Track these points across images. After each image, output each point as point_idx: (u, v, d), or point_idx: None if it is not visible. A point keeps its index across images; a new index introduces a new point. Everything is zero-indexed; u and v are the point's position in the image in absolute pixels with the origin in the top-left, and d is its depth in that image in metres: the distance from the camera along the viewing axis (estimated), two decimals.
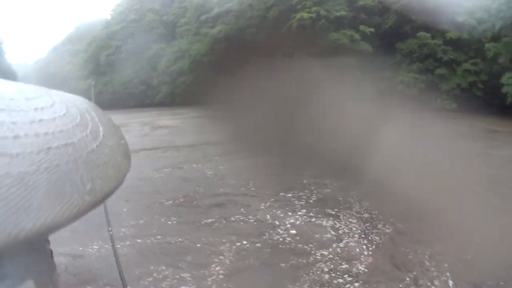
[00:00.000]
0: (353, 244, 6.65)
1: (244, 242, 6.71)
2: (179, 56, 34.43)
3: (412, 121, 16.81)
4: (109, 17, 45.10)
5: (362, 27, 30.65)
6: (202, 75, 32.59)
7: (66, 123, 0.39)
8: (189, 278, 5.49)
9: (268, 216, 8.00)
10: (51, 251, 0.44)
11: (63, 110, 0.41)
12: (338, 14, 31.48)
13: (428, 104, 28.02)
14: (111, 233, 2.22)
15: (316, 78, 25.05)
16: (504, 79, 28.64)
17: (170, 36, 35.50)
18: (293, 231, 7.19)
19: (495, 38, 30.80)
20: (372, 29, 30.67)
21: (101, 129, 0.43)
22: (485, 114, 25.91)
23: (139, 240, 6.80)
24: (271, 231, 7.19)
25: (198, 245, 6.64)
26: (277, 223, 7.60)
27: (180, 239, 6.94)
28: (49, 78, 47.55)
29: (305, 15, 31.18)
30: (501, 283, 5.25)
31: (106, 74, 38.93)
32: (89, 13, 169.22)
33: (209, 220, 7.79)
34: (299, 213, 8.17)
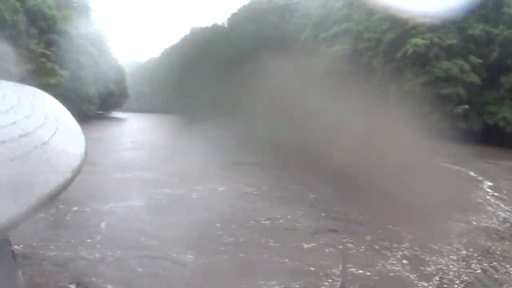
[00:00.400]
0: None
1: None
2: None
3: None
4: (226, 25, 47.62)
5: (472, 58, 32.60)
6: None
7: (19, 115, 0.38)
8: None
9: None
10: (13, 251, 0.44)
11: (15, 101, 0.41)
12: (450, 42, 32.79)
13: None
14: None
15: (422, 109, 27.27)
16: None
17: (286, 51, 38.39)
18: None
19: None
20: (480, 60, 32.56)
21: (55, 120, 0.42)
22: None
23: None
24: None
25: None
26: None
27: None
28: (157, 79, 51.17)
29: (419, 41, 32.71)
30: None
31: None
32: (206, 18, 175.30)
33: None
34: None
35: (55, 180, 0.35)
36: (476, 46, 33.73)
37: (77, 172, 0.39)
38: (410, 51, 32.85)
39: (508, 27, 32.83)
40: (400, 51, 33.36)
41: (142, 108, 54.40)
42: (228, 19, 47.00)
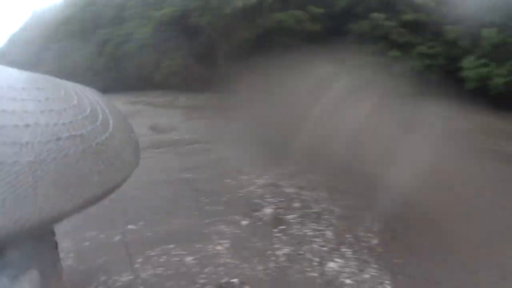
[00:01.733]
0: None
1: None
2: (125, 40, 33.50)
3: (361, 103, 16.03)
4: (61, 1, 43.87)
5: (311, 8, 29.27)
6: (146, 60, 31.92)
7: (76, 114, 0.38)
8: None
9: None
10: (56, 242, 0.43)
11: (73, 101, 0.40)
12: None
13: (381, 87, 26.84)
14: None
15: (258, 61, 24.05)
16: (465, 63, 27.31)
17: (119, 20, 34.40)
18: None
19: (457, 21, 29.56)
20: (322, 10, 29.29)
21: (111, 121, 0.42)
22: (441, 98, 24.71)
23: None
24: None
25: None
26: None
27: None
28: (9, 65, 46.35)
29: None
30: None
31: (55, 60, 37.44)
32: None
33: None
34: None
35: (107, 181, 0.37)
36: None
37: (130, 172, 0.41)
38: (240, 4, 28.86)
39: None
40: (229, 7, 29.38)
41: None
42: None
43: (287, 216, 7.33)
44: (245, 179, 9.32)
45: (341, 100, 16.08)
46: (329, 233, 6.66)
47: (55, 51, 37.55)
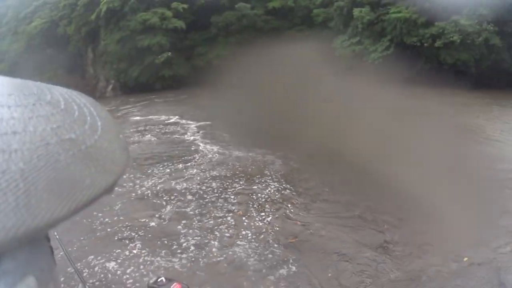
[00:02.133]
0: None
1: None
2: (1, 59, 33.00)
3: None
4: None
5: (174, 4, 29.97)
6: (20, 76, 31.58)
7: (64, 118, 0.38)
8: None
9: None
10: (51, 248, 0.43)
11: (61, 105, 0.40)
12: None
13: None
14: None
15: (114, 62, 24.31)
16: (338, 42, 28.39)
17: None
18: None
19: (326, 4, 30.76)
20: (185, 5, 30.05)
21: (99, 123, 0.42)
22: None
23: None
24: None
25: None
26: None
27: None
28: None
29: None
30: None
31: None
32: None
33: None
34: None
35: (99, 182, 0.37)
36: None
37: (121, 174, 0.40)
38: (104, 9, 29.37)
39: None
40: (95, 12, 29.87)
41: None
42: None
43: None
44: None
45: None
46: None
47: None
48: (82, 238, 5.92)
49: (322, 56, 22.00)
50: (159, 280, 1.43)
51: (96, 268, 5.16)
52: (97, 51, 29.17)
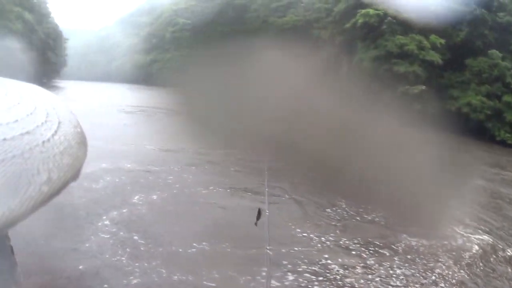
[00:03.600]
0: None
1: None
2: None
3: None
4: None
5: (433, 37, 29.09)
6: None
7: (20, 113, 0.37)
8: None
9: None
10: (12, 248, 0.42)
11: (17, 99, 0.39)
12: (406, 15, 28.47)
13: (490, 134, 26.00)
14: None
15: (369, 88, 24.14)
16: None
17: (238, 20, 34.92)
18: None
19: None
20: (442, 41, 29.16)
21: (56, 117, 0.41)
22: None
23: None
24: None
25: None
26: None
27: None
28: (111, 48, 48.87)
29: (371, 11, 29.25)
30: None
31: (170, 51, 38.56)
32: None
33: None
34: None
35: (56, 178, 0.36)
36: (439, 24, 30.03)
37: (78, 170, 0.40)
38: (360, 21, 29.29)
39: (480, 5, 29.28)
40: (350, 22, 29.88)
41: (94, 76, 50.87)
42: None
43: None
44: None
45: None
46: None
47: (167, 40, 39.18)
48: None
49: None
50: None
51: None
52: (350, 64, 29.19)
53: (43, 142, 0.37)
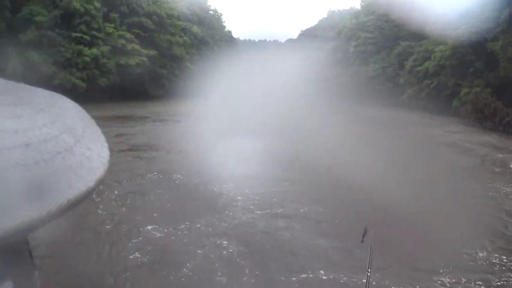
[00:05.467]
0: None
1: None
2: (426, 57, 34.91)
3: None
4: (359, 8, 47.58)
5: None
6: (444, 80, 32.51)
7: (45, 120, 0.40)
8: None
9: None
10: (31, 252, 0.44)
11: (42, 106, 0.42)
12: None
13: None
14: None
15: None
16: None
17: (420, 35, 34.88)
18: None
19: None
20: None
21: (80, 128, 0.44)
22: None
23: None
24: None
25: None
26: None
27: None
28: (298, 60, 53.47)
29: None
30: None
31: (354, 65, 40.77)
32: (343, 1, 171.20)
33: None
34: None
35: (78, 187, 0.37)
36: None
37: (99, 181, 0.41)
38: None
39: None
40: None
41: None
42: (362, 1, 46.71)
43: None
44: None
45: None
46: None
47: (351, 54, 42.50)
48: None
49: None
50: None
51: None
52: None
53: (66, 150, 0.38)
